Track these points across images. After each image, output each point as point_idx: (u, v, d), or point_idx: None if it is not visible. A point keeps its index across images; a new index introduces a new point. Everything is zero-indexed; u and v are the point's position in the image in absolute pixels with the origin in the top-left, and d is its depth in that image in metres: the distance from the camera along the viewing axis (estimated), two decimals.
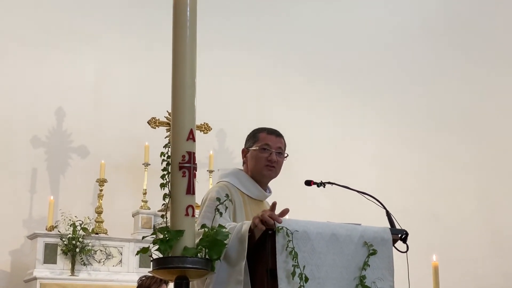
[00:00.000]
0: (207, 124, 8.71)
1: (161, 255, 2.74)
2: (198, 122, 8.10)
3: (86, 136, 8.96)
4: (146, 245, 2.86)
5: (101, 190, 8.14)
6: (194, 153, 2.83)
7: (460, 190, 10.08)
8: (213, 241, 2.81)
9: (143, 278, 5.53)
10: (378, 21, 10.51)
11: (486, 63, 10.30)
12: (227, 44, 9.87)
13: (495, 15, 10.41)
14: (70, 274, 7.48)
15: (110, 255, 7.79)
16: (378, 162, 10.25)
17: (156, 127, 8.45)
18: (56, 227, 7.77)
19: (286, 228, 3.06)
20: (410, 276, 3.55)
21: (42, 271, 7.44)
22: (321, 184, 3.75)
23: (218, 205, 3.08)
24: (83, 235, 7.57)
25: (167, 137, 7.92)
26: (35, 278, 7.37)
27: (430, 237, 9.39)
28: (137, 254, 2.95)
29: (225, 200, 3.16)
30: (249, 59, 10.00)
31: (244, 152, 3.80)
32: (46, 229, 7.79)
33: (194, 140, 2.84)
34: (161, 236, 2.74)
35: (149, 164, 8.36)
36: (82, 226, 7.58)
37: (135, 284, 5.66)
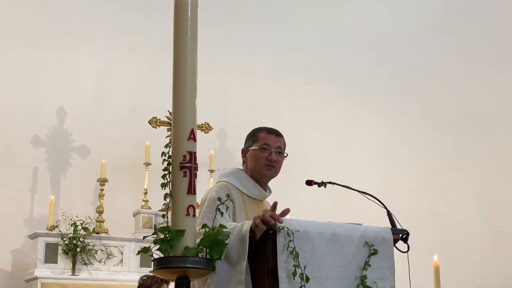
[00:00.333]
0: (208, 123, 8.71)
1: (162, 255, 2.74)
2: (199, 121, 8.11)
3: (87, 135, 8.96)
4: (147, 245, 2.86)
5: (102, 190, 8.14)
6: (195, 153, 2.83)
7: (461, 190, 10.08)
8: (214, 241, 2.81)
9: (144, 278, 5.54)
10: (378, 21, 10.51)
11: (487, 62, 10.30)
12: (228, 44, 9.87)
13: (495, 15, 10.40)
14: (71, 273, 7.48)
15: (111, 254, 7.80)
16: (379, 162, 10.25)
17: (157, 127, 8.45)
18: (57, 226, 7.77)
19: (287, 228, 3.06)
20: (411, 276, 3.54)
21: (43, 271, 7.45)
22: (322, 184, 3.75)
23: (219, 205, 3.08)
24: (84, 234, 7.57)
25: (168, 136, 7.92)
26: (36, 278, 7.37)
27: (431, 237, 9.39)
28: (138, 253, 2.94)
29: (226, 200, 3.16)
30: (250, 59, 10.01)
31: (244, 152, 3.80)
32: (47, 228, 7.80)
33: (195, 140, 2.84)
34: (162, 235, 2.74)
35: (150, 164, 8.36)
36: (83, 225, 7.58)
37: (136, 284, 5.67)
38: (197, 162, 2.84)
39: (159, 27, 9.00)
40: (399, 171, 10.20)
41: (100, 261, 7.71)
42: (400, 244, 3.48)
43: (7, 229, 8.17)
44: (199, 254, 2.75)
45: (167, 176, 2.82)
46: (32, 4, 9.01)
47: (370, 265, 3.27)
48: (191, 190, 2.79)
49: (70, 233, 7.52)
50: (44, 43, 8.98)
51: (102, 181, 8.15)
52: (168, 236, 2.72)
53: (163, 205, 2.84)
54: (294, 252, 3.04)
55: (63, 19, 9.15)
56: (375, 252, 3.29)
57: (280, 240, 3.04)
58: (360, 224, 3.40)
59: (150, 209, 8.26)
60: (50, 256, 7.55)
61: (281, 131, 3.83)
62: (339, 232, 3.25)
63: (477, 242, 9.79)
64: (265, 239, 3.09)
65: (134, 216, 8.37)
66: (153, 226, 8.12)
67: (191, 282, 2.77)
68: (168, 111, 8.00)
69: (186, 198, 2.78)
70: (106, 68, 9.31)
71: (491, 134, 10.17)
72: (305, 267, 3.05)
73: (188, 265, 2.69)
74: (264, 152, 3.70)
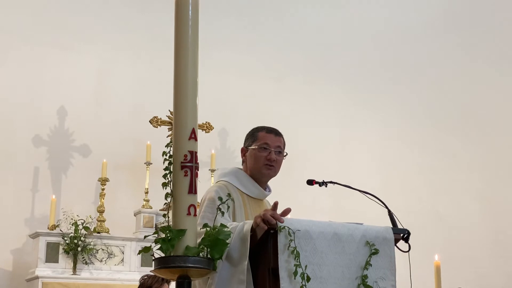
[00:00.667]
0: (209, 123, 8.72)
1: (163, 254, 2.74)
2: (200, 121, 8.08)
3: (88, 135, 8.96)
4: (148, 244, 2.86)
5: (103, 189, 8.15)
6: (196, 152, 2.83)
7: (462, 190, 10.08)
8: (215, 240, 2.81)
9: (145, 277, 5.54)
10: (379, 21, 10.50)
11: (489, 62, 10.30)
12: (229, 43, 9.87)
13: (497, 14, 10.40)
14: (72, 273, 7.48)
15: (112, 254, 7.80)
16: (380, 161, 10.25)
17: (158, 126, 8.45)
18: (58, 226, 7.78)
19: (288, 227, 3.06)
20: (412, 275, 3.54)
21: (44, 270, 7.45)
22: (323, 184, 3.75)
23: (220, 204, 3.08)
24: (85, 234, 7.58)
25: (169, 136, 7.92)
26: (37, 277, 7.37)
27: (432, 236, 9.40)
28: (139, 253, 2.94)
29: (227, 200, 3.16)
30: (251, 58, 10.01)
31: (243, 151, 3.80)
32: (48, 228, 7.80)
33: (196, 139, 2.84)
34: (163, 235, 2.74)
35: (151, 163, 8.36)
36: (84, 225, 7.59)
37: (137, 283, 5.67)
38: (198, 161, 2.84)
39: (160, 27, 9.00)
40: (400, 170, 10.20)
41: (101, 261, 7.71)
42: (401, 243, 3.48)
43: (8, 228, 8.17)
44: (200, 253, 2.74)
45: (168, 175, 2.82)
46: (33, 4, 9.01)
47: (371, 265, 3.27)
48: (192, 189, 2.79)
49: (71, 233, 7.53)
50: (45, 42, 8.98)
51: (103, 181, 8.16)
52: (169, 236, 2.72)
53: (164, 204, 2.84)
54: (295, 251, 3.04)
55: (63, 19, 9.15)
56: (376, 252, 3.29)
57: (281, 239, 3.04)
58: (361, 224, 3.40)
59: (151, 208, 8.26)
60: (51, 255, 7.55)
61: (281, 131, 3.82)
62: (340, 232, 3.24)
63: (479, 242, 9.79)
64: (266, 239, 3.09)
65: (135, 215, 8.37)
66: (154, 226, 8.12)
67: (192, 282, 2.77)
68: (169, 110, 8.00)
69: (187, 197, 2.77)
70: (107, 68, 9.31)
71: (493, 134, 10.17)
72: (306, 266, 3.05)
73: (189, 265, 2.69)
74: (263, 151, 3.70)
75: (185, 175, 2.79)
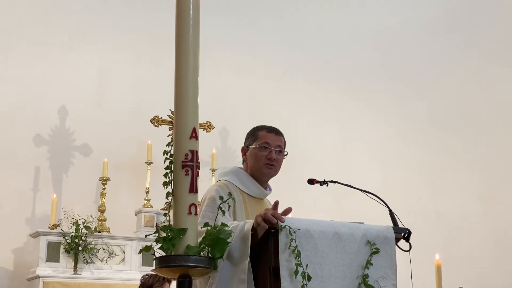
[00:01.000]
0: (209, 122, 8.72)
1: (163, 254, 2.74)
2: (201, 120, 8.11)
3: (89, 134, 8.97)
4: (148, 244, 2.86)
5: (103, 189, 8.15)
6: (197, 152, 2.83)
7: (463, 189, 10.08)
8: (216, 239, 2.81)
9: (146, 277, 5.54)
10: (379, 21, 10.50)
11: (490, 61, 10.30)
12: (230, 43, 9.88)
13: (497, 14, 10.40)
14: (73, 272, 7.49)
15: (112, 253, 7.80)
16: (381, 161, 10.25)
17: (159, 126, 8.46)
18: (59, 225, 7.78)
19: (289, 226, 3.06)
20: (413, 275, 3.54)
21: (45, 270, 7.45)
22: (324, 183, 3.75)
23: (221, 204, 3.07)
24: (86, 233, 7.58)
25: (170, 135, 7.93)
26: (38, 277, 7.38)
27: (432, 236, 9.40)
28: (139, 252, 2.94)
29: (228, 199, 3.16)
30: (252, 58, 10.01)
31: (244, 150, 3.80)
32: (49, 227, 7.81)
33: (197, 139, 2.84)
34: (164, 234, 2.74)
35: (152, 163, 8.36)
36: (84, 224, 7.59)
37: (138, 283, 5.67)
38: (199, 160, 2.83)
39: (161, 26, 9.00)
40: (401, 170, 10.20)
41: (102, 260, 7.72)
42: (402, 243, 3.48)
43: (9, 227, 8.18)
44: (201, 252, 2.74)
45: (169, 174, 2.82)
46: (34, 4, 9.02)
47: (372, 264, 3.27)
48: (193, 188, 2.79)
49: (72, 232, 7.53)
50: (46, 42, 8.98)
51: (104, 180, 8.16)
52: (170, 235, 2.72)
53: (165, 203, 2.83)
54: (296, 250, 3.04)
55: (64, 19, 9.16)
56: (377, 251, 3.29)
57: (282, 238, 3.04)
58: (362, 223, 3.40)
59: (152, 208, 8.26)
60: (52, 255, 7.56)
61: (282, 130, 3.82)
62: (341, 231, 3.24)
63: (479, 242, 9.79)
64: (267, 238, 3.09)
65: (136, 214, 8.37)
66: (155, 225, 8.13)
67: (193, 281, 2.76)
68: (170, 110, 8.00)
69: (188, 196, 2.77)
70: (108, 67, 9.31)
71: (493, 133, 10.17)
72: (307, 265, 3.05)
73: (190, 264, 2.69)
74: (264, 150, 3.70)
75: (186, 174, 2.79)
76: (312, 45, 10.33)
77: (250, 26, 10.08)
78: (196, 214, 2.78)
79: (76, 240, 7.49)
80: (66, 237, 7.53)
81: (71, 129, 8.95)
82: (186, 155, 2.80)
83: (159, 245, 2.73)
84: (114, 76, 9.32)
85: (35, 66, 8.89)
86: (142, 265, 7.79)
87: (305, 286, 3.00)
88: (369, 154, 10.24)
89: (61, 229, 7.67)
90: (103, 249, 7.76)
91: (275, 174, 3.77)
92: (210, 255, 2.77)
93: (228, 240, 2.86)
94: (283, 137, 3.80)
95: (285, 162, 3.81)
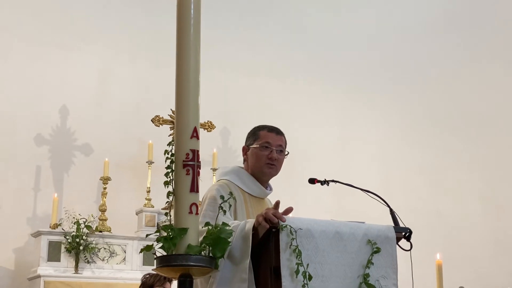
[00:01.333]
0: (210, 122, 8.72)
1: (164, 253, 2.74)
2: (202, 120, 8.11)
3: (89, 134, 8.98)
4: (149, 243, 2.86)
5: (104, 188, 8.15)
6: (198, 151, 2.83)
7: (464, 189, 10.08)
8: (217, 239, 2.81)
9: (147, 276, 5.54)
10: (379, 21, 10.51)
11: (490, 61, 10.29)
12: (231, 43, 9.88)
13: (497, 14, 10.39)
14: (74, 272, 7.49)
15: (113, 253, 7.80)
16: (382, 160, 10.25)
17: (160, 125, 8.47)
18: (60, 225, 7.78)
19: (289, 226, 3.06)
20: (413, 274, 3.54)
21: (46, 269, 7.46)
22: (325, 182, 3.75)
23: (222, 203, 3.08)
24: (87, 233, 7.58)
25: (170, 135, 7.93)
26: (39, 276, 7.38)
27: (434, 235, 9.40)
28: (140, 252, 2.94)
29: (229, 198, 3.15)
30: (253, 58, 10.02)
31: (245, 150, 3.79)
32: (50, 227, 7.81)
33: (198, 138, 2.84)
34: (165, 234, 2.74)
35: (153, 162, 8.37)
36: (86, 224, 7.59)
37: (139, 282, 5.67)
38: (200, 160, 2.84)
39: (162, 26, 9.01)
40: (402, 169, 10.20)
41: (103, 259, 7.72)
42: (403, 242, 3.48)
43: (10, 227, 8.18)
44: (202, 252, 2.75)
45: (170, 174, 2.82)
46: (35, 3, 9.02)
47: (373, 263, 3.27)
48: (194, 188, 2.79)
49: (73, 232, 7.54)
50: (47, 42, 8.99)
51: (105, 180, 8.17)
52: (171, 234, 2.72)
53: (166, 203, 2.83)
54: (297, 250, 3.04)
55: (65, 18, 9.16)
56: (378, 250, 3.29)
57: (283, 238, 3.04)
58: (363, 222, 3.40)
59: (153, 207, 8.27)
60: (53, 254, 7.56)
61: (283, 130, 3.82)
62: (342, 230, 3.24)
63: (480, 241, 9.79)
64: (267, 237, 3.09)
65: (137, 214, 8.37)
66: (156, 224, 8.13)
67: (194, 280, 2.77)
68: (170, 109, 8.01)
69: (189, 196, 2.77)
70: (109, 67, 9.32)
71: (493, 133, 10.17)
72: (308, 265, 3.05)
73: (191, 263, 2.69)
74: (265, 150, 3.70)
75: (187, 174, 2.79)
76: (313, 45, 10.33)
77: (251, 26, 10.08)
78: (197, 213, 2.78)
79: (77, 240, 7.50)
80: (67, 237, 7.54)
81: (72, 128, 8.96)
82: (187, 154, 2.80)
83: (160, 244, 2.73)
84: (115, 76, 9.33)
85: (36, 65, 8.89)
86: (143, 265, 7.80)
87: (306, 286, 3.01)
88: (369, 153, 10.25)
89: (62, 229, 7.67)
90: (104, 248, 7.76)
91: (276, 174, 3.77)
92: (211, 254, 2.77)
93: (229, 240, 2.86)
94: (284, 136, 3.80)
95: (286, 161, 3.81)
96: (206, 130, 8.62)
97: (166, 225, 2.77)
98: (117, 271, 7.72)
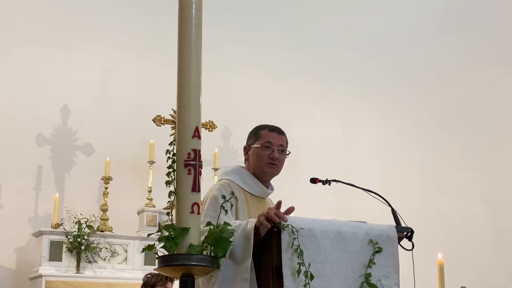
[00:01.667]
0: (212, 122, 8.72)
1: (166, 253, 2.74)
2: (203, 120, 8.10)
3: (91, 134, 8.98)
4: (151, 243, 2.86)
5: (106, 188, 8.15)
6: (199, 151, 2.83)
7: (465, 189, 10.08)
8: (218, 238, 2.81)
9: (149, 276, 5.54)
10: (381, 21, 10.50)
11: (491, 61, 10.29)
12: (233, 42, 9.88)
13: (499, 14, 10.39)
14: (75, 271, 7.50)
15: (115, 252, 7.81)
16: (383, 160, 10.25)
17: (161, 125, 8.47)
18: (61, 224, 7.79)
19: (291, 225, 3.06)
20: (415, 274, 3.54)
21: (47, 269, 7.46)
22: (326, 182, 3.74)
23: (223, 203, 3.08)
24: (88, 232, 7.59)
25: (172, 135, 7.93)
26: (40, 276, 7.38)
27: (435, 235, 9.39)
28: (142, 251, 2.95)
29: (230, 198, 3.16)
30: (255, 57, 10.02)
31: (246, 150, 3.79)
32: (51, 226, 7.81)
33: (199, 138, 2.84)
34: (167, 233, 2.74)
35: (154, 162, 8.37)
36: (87, 223, 7.59)
37: (140, 282, 5.68)
38: (201, 159, 2.84)
39: (163, 26, 9.01)
40: (403, 169, 10.20)
41: (104, 259, 7.72)
42: (405, 242, 3.48)
43: (11, 227, 8.19)
44: (204, 251, 2.75)
45: (172, 174, 2.82)
46: (36, 3, 9.02)
47: (374, 263, 3.27)
48: (196, 187, 2.79)
49: (75, 231, 7.54)
50: (48, 42, 8.99)
51: (107, 179, 8.17)
52: (173, 234, 2.72)
53: (168, 203, 2.83)
54: (298, 249, 3.04)
55: (67, 18, 9.17)
56: (379, 250, 3.29)
57: (285, 237, 3.04)
58: (365, 222, 3.40)
59: (155, 207, 8.27)
60: (55, 254, 7.57)
61: (284, 129, 3.82)
62: (343, 230, 3.24)
63: (481, 241, 9.79)
64: (269, 237, 3.09)
65: (138, 214, 8.37)
66: (158, 224, 8.13)
67: (196, 280, 2.77)
68: (172, 109, 8.00)
69: (190, 195, 2.78)
70: (110, 67, 9.32)
71: (495, 133, 10.17)
72: (309, 264, 3.05)
73: (193, 263, 2.69)
74: (266, 150, 3.70)
75: (188, 173, 2.79)
76: (314, 45, 10.33)
77: (253, 25, 10.08)
78: (198, 213, 2.79)
79: (79, 239, 7.50)
80: (69, 236, 7.54)
81: (73, 128, 8.96)
82: (189, 154, 2.81)
83: (162, 244, 2.73)
84: (116, 76, 9.33)
85: (37, 65, 8.89)
86: (145, 264, 7.80)
87: (307, 285, 3.01)
88: (370, 153, 10.24)
89: (64, 229, 7.68)
90: (106, 248, 7.77)
91: (277, 174, 3.77)
92: (212, 254, 2.77)
93: (230, 239, 2.86)
94: (285, 136, 3.80)
95: (288, 161, 3.81)
96: (207, 130, 8.62)
97: (167, 224, 2.77)
98: (118, 271, 7.72)
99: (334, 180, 3.76)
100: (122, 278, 7.65)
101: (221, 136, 9.58)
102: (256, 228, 3.11)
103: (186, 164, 2.80)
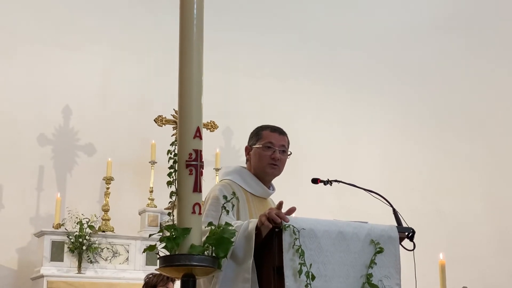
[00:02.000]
0: (213, 122, 8.72)
1: (167, 253, 2.74)
2: (205, 120, 8.10)
3: (93, 134, 8.98)
4: (153, 243, 2.87)
5: (107, 188, 8.16)
6: (201, 151, 2.83)
7: (467, 189, 10.07)
8: (220, 239, 2.81)
9: (150, 276, 5.55)
10: (382, 21, 10.49)
11: (493, 62, 10.28)
12: (234, 43, 9.88)
13: (501, 14, 10.38)
14: (77, 271, 7.50)
15: (116, 253, 7.81)
16: (385, 160, 10.24)
17: (163, 125, 8.46)
18: (63, 225, 7.79)
19: (292, 226, 3.06)
20: (417, 274, 3.54)
21: (49, 269, 7.46)
22: (328, 182, 3.74)
23: (225, 203, 3.08)
24: (90, 233, 7.59)
25: (173, 135, 7.93)
26: (42, 276, 7.39)
27: (437, 235, 9.38)
28: (143, 252, 2.96)
29: (231, 198, 3.16)
30: (256, 57, 10.01)
31: (248, 150, 3.80)
32: (53, 227, 7.82)
33: (201, 138, 2.85)
34: (168, 233, 2.75)
35: (156, 162, 8.37)
36: (89, 224, 7.60)
37: (142, 282, 5.68)
38: (203, 160, 2.84)
39: (165, 26, 9.01)
40: (405, 169, 10.19)
41: (106, 259, 7.73)
42: (406, 242, 3.48)
43: (13, 227, 8.19)
44: (205, 252, 2.75)
45: (173, 174, 2.82)
46: (37, 3, 9.03)
47: (376, 263, 3.27)
48: (197, 188, 2.79)
49: (76, 231, 7.54)
50: (50, 42, 8.99)
51: (108, 180, 8.17)
52: (174, 234, 2.73)
53: (169, 203, 2.84)
54: (300, 250, 3.04)
55: (68, 18, 9.17)
56: (381, 250, 3.29)
57: (286, 238, 3.04)
58: (366, 222, 3.40)
59: (156, 207, 8.27)
60: (56, 254, 7.57)
61: (285, 130, 3.82)
62: (345, 230, 3.24)
63: (483, 241, 9.78)
64: (270, 237, 3.09)
65: (140, 214, 8.38)
66: (159, 224, 8.13)
67: (197, 280, 2.77)
68: (173, 109, 8.00)
69: (192, 196, 2.78)
70: (112, 67, 9.32)
71: (497, 133, 10.15)
72: (310, 265, 3.05)
73: (194, 263, 2.70)
74: (267, 150, 3.70)
75: (190, 174, 2.80)
76: (315, 45, 10.32)
77: (254, 25, 10.07)
78: (200, 213, 2.79)
79: (80, 240, 7.50)
80: (70, 237, 7.54)
81: (75, 128, 8.96)
82: (190, 154, 2.81)
83: (163, 244, 2.74)
84: (118, 76, 9.33)
85: (38, 66, 8.90)
86: (146, 265, 7.80)
87: (309, 286, 3.01)
88: (372, 153, 10.24)
89: (65, 229, 7.68)
90: (107, 248, 7.77)
91: (278, 174, 3.77)
92: (214, 254, 2.78)
93: (232, 240, 2.87)
94: (287, 136, 3.80)
95: (289, 161, 3.81)
96: (209, 130, 8.62)
97: (169, 225, 2.78)
98: (120, 271, 7.72)
99: (335, 181, 3.75)
100: (124, 279, 7.65)
101: (222, 136, 9.58)
102: (258, 228, 3.11)
103: (188, 165, 2.80)
